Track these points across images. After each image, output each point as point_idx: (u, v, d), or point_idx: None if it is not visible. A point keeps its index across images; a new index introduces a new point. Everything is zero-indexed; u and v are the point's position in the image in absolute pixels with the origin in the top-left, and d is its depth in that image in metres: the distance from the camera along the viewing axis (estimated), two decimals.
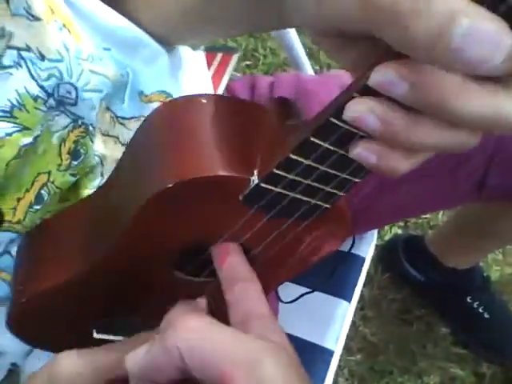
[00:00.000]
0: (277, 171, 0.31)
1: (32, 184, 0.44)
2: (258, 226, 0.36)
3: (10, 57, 0.39)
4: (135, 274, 0.40)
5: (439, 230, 1.18)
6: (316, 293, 0.72)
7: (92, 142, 0.47)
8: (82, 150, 0.46)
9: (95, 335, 0.45)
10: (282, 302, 0.69)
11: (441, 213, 1.34)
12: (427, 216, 1.34)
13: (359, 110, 0.25)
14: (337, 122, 0.28)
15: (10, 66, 0.39)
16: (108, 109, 0.49)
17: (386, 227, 1.30)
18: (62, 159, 0.45)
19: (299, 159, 0.30)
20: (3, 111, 0.40)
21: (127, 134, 0.51)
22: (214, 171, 0.32)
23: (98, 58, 0.44)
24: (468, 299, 1.14)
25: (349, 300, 0.80)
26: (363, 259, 0.84)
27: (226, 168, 0.32)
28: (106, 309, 0.44)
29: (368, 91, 0.24)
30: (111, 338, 0.46)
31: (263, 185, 0.32)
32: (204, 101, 0.35)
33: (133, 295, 0.43)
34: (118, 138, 0.51)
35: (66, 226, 0.44)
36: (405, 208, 0.76)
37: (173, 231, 0.37)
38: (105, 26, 0.46)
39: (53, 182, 0.45)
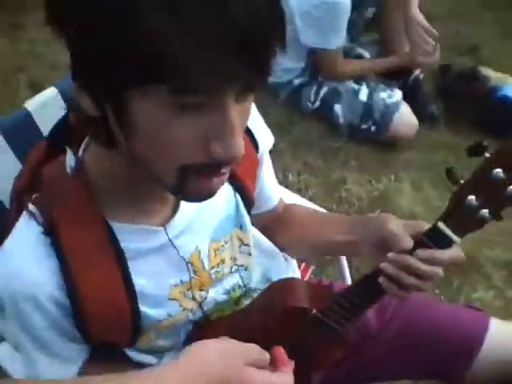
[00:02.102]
0: (321, 312, 0.80)
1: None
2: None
3: (233, 268, 0.88)
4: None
5: None
6: None
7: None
8: None
9: None
10: None
11: None
12: None
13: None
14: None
15: (233, 273, 0.89)
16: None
17: None
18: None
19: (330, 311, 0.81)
20: (225, 291, 0.89)
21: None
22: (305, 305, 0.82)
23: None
24: None
25: None
26: None
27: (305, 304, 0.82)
28: None
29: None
30: None
31: (317, 314, 0.80)
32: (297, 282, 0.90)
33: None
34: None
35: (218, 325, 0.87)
36: None
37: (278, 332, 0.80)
38: (264, 246, 0.98)
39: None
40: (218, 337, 0.69)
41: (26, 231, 0.70)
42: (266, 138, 0.91)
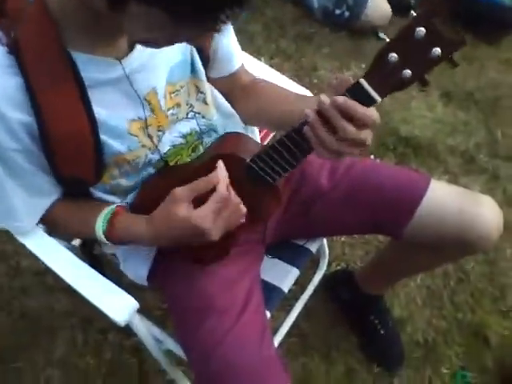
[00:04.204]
0: (253, 161, 0.84)
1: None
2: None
3: (190, 114, 0.94)
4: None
5: (362, 268, 1.54)
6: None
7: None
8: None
9: None
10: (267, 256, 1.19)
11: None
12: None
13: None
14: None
15: (189, 118, 0.95)
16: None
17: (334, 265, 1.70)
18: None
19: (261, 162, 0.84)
20: (182, 135, 0.95)
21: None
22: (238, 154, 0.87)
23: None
24: (371, 317, 1.49)
25: (299, 268, 1.22)
26: (310, 251, 1.25)
27: (240, 155, 0.87)
28: None
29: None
30: None
31: (250, 163, 0.85)
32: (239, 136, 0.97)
33: None
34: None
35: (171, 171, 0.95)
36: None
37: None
38: (223, 107, 1.02)
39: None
40: (171, 183, 0.85)
41: None
42: None
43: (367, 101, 0.70)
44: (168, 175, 0.93)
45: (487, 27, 2.33)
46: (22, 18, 0.71)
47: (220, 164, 0.81)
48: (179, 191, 0.79)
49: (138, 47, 0.81)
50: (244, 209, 0.85)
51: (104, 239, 0.87)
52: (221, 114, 1.02)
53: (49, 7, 0.72)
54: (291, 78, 2.17)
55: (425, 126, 2.06)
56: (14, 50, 0.71)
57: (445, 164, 1.95)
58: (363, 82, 0.69)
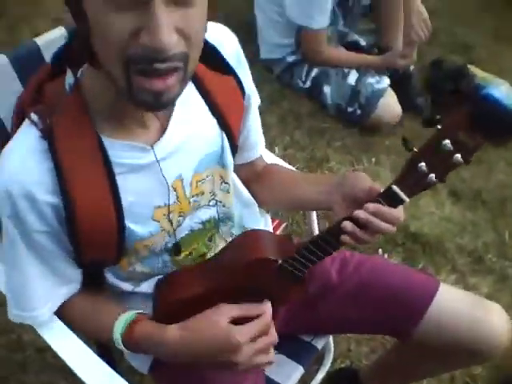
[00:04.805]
0: (285, 261, 0.89)
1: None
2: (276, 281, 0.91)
3: (211, 202, 0.95)
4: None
5: (368, 368, 1.51)
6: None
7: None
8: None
9: None
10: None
11: None
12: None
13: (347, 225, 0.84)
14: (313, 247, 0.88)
15: (210, 206, 0.97)
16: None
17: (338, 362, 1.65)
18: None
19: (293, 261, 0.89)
20: (201, 222, 0.97)
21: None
22: (272, 256, 0.90)
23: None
24: None
25: (304, 366, 1.20)
26: (317, 348, 1.23)
27: (272, 255, 0.89)
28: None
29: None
30: None
31: (282, 263, 0.89)
32: (262, 233, 0.99)
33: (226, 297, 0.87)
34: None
35: (190, 273, 0.95)
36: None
37: (247, 279, 0.89)
38: (242, 196, 1.06)
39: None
40: (191, 282, 0.92)
41: (27, 135, 0.77)
42: (253, 93, 1.00)
43: (397, 202, 0.82)
44: (196, 278, 0.93)
45: (496, 131, 2.41)
46: (59, 107, 0.77)
47: (267, 303, 0.89)
48: (227, 307, 0.85)
49: (170, 131, 0.85)
50: (273, 355, 0.89)
51: (120, 343, 0.86)
52: (240, 203, 1.05)
53: (85, 97, 0.77)
54: (302, 169, 2.24)
55: (433, 223, 2.08)
56: (48, 136, 0.76)
57: (453, 262, 1.96)
58: (395, 188, 0.80)
